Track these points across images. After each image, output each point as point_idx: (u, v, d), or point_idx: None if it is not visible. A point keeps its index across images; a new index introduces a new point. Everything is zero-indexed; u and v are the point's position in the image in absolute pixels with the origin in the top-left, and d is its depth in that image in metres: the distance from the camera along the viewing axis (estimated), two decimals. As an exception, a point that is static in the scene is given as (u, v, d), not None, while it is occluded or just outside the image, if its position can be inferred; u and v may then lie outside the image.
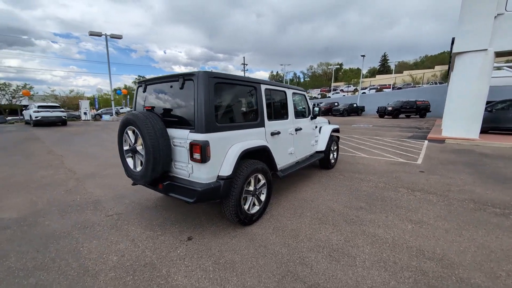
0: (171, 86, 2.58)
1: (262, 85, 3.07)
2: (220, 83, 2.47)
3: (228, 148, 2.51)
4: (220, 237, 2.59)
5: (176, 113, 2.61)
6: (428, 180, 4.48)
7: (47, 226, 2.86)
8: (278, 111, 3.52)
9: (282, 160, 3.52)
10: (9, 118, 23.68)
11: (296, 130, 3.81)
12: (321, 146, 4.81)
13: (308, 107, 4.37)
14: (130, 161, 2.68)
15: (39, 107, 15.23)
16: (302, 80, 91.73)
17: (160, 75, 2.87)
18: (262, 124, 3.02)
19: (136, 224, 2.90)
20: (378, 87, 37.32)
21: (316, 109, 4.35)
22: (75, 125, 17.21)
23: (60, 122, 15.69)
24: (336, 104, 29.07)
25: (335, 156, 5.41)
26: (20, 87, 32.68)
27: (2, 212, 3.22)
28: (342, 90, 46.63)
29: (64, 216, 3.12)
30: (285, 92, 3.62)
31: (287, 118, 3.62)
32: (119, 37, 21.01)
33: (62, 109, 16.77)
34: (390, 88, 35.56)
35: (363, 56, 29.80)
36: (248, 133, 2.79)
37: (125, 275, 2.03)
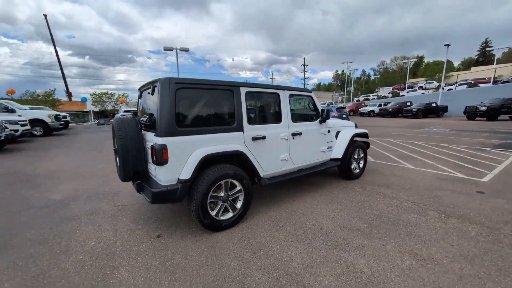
0: (148, 93, 2.80)
1: (242, 88, 2.96)
2: (183, 88, 2.52)
3: (192, 152, 2.54)
4: (185, 240, 2.64)
5: (150, 118, 2.82)
6: (483, 204, 3.34)
7: (71, 209, 3.54)
8: (267, 114, 3.32)
9: (271, 166, 3.29)
10: (111, 120, 30.28)
11: (294, 134, 3.50)
12: (337, 153, 4.25)
13: (317, 109, 3.93)
14: (116, 161, 3.04)
15: (124, 111, 18.95)
16: (372, 77, 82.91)
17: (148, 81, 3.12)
18: (239, 129, 2.91)
19: (128, 216, 3.26)
20: (472, 82, 29.91)
21: (326, 111, 3.88)
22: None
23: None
24: (408, 103, 24.98)
25: (360, 165, 4.68)
26: (120, 96, 41.60)
27: (53, 194, 4.17)
28: (421, 87, 39.58)
29: (87, 203, 3.78)
30: (278, 94, 3.38)
31: (279, 121, 3.37)
32: (186, 49, 23.98)
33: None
34: (490, 82, 28.00)
35: (447, 45, 24.52)
36: (219, 137, 2.74)
37: (88, 259, 2.32)
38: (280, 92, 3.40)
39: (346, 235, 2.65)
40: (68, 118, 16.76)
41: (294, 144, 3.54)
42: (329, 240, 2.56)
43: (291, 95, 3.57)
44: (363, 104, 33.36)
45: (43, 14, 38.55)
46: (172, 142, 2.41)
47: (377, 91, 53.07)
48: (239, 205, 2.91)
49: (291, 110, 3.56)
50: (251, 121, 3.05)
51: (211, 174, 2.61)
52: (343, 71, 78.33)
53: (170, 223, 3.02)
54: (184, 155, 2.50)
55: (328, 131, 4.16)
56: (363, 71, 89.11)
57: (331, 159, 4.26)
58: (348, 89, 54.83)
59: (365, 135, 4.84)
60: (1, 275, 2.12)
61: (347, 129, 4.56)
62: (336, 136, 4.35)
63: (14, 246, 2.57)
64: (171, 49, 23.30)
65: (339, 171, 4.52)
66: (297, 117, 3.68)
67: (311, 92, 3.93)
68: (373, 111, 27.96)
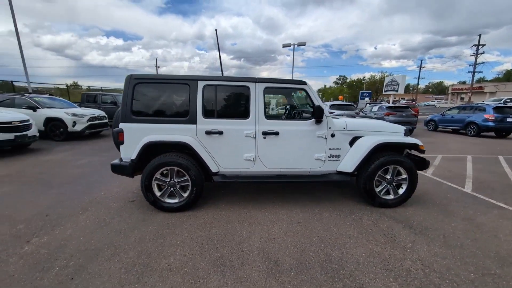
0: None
1: (200, 82, 2.97)
2: (141, 83, 2.96)
3: (142, 138, 2.96)
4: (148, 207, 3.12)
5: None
6: None
7: (105, 198, 3.58)
8: (230, 109, 3.10)
9: (231, 164, 3.11)
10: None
11: (266, 133, 3.04)
12: (347, 165, 3.18)
13: (314, 105, 3.11)
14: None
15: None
16: None
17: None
18: (192, 122, 2.98)
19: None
20: None
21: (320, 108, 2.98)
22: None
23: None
24: None
25: (400, 190, 3.23)
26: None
27: (101, 191, 3.80)
28: None
29: (117, 196, 3.66)
30: (248, 88, 3.04)
31: (246, 117, 3.05)
32: (303, 44, 24.14)
33: None
34: None
35: None
36: (170, 128, 2.97)
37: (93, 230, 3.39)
38: (251, 85, 3.04)
39: (272, 267, 2.14)
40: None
41: (265, 144, 3.09)
42: (219, 266, 2.20)
43: (268, 88, 3.09)
44: None
45: (215, 29, 52.18)
46: (126, 128, 2.96)
47: None
48: (186, 194, 3.06)
49: (286, 106, 3.09)
50: (207, 115, 3.02)
51: (156, 160, 2.94)
52: None
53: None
54: (136, 140, 2.96)
55: (332, 135, 3.18)
56: None
57: (338, 172, 3.26)
58: None
59: (412, 147, 3.22)
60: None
61: (372, 136, 3.24)
62: (352, 144, 3.24)
63: (78, 183, 4.16)
64: (289, 45, 24.34)
65: (364, 191, 3.32)
66: (274, 114, 3.15)
67: (304, 84, 3.15)
68: None
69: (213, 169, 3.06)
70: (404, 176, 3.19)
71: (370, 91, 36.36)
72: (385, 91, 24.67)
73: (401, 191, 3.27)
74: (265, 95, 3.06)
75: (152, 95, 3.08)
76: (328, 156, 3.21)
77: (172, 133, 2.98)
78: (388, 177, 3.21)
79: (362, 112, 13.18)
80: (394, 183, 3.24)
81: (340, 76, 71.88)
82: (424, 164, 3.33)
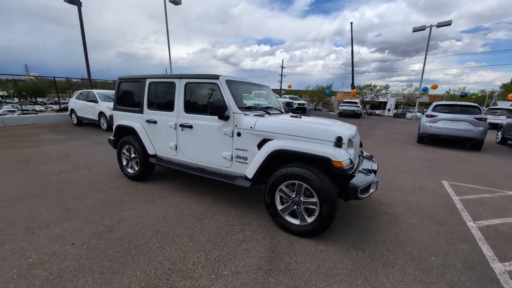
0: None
1: (147, 80, 3.62)
2: (123, 82, 4.02)
3: (117, 121, 4.08)
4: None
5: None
6: None
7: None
8: (163, 102, 3.51)
9: (162, 150, 3.60)
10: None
11: (183, 126, 3.26)
12: (250, 170, 2.79)
13: (223, 100, 2.91)
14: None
15: (344, 102, 20.19)
16: None
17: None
18: (141, 111, 3.72)
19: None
20: None
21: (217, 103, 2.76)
22: (371, 119, 19.97)
23: (354, 115, 19.38)
24: None
25: (309, 218, 2.46)
26: (381, 88, 41.42)
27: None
28: None
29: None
30: (174, 83, 3.34)
31: (172, 110, 3.38)
32: (447, 23, 17.78)
33: (359, 105, 20.08)
34: None
35: None
36: (130, 115, 3.87)
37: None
38: (176, 81, 3.32)
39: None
40: (306, 105, 22.10)
41: (183, 136, 3.31)
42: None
43: (189, 84, 3.23)
44: None
45: (350, 22, 45.75)
46: (114, 113, 4.18)
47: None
48: (137, 167, 3.92)
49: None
50: (150, 107, 3.65)
51: (122, 139, 4.00)
52: None
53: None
54: (115, 122, 4.14)
55: (239, 134, 2.85)
56: None
57: (246, 176, 2.89)
58: None
59: (323, 161, 2.26)
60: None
61: (280, 140, 2.56)
62: (261, 147, 2.75)
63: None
64: (423, 28, 18.81)
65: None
66: (194, 108, 3.23)
67: (216, 78, 2.97)
68: None
69: (150, 151, 3.69)
70: (314, 199, 2.36)
71: None
72: None
73: (311, 219, 2.43)
74: (193, 90, 3.24)
75: (127, 90, 4.11)
76: (235, 157, 2.94)
77: (129, 119, 3.89)
78: (293, 195, 2.49)
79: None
80: (301, 205, 2.47)
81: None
82: (354, 191, 2.24)
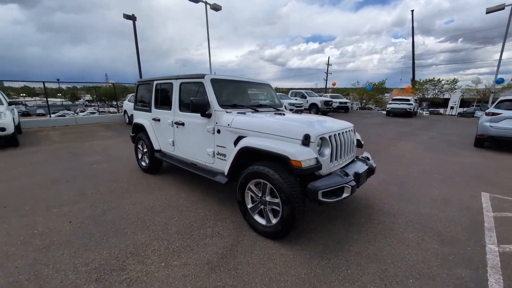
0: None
1: (154, 81, 3.99)
2: (140, 84, 4.52)
3: (135, 119, 4.59)
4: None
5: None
6: None
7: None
8: (164, 101, 3.78)
9: (164, 145, 3.92)
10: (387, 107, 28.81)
11: (177, 123, 3.49)
12: (226, 166, 2.82)
13: (207, 99, 2.99)
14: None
15: (393, 100, 17.98)
16: None
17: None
18: (150, 110, 4.12)
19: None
20: None
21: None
22: (428, 118, 17.38)
23: (405, 114, 17.11)
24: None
25: (273, 220, 2.36)
26: (448, 82, 35.20)
27: None
28: None
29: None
30: (172, 84, 3.59)
31: (170, 109, 3.64)
32: None
33: (411, 102, 17.51)
34: None
35: None
36: (144, 114, 4.32)
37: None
38: (173, 81, 3.56)
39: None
40: (348, 104, 20.55)
41: (178, 133, 3.54)
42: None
43: (183, 84, 3.43)
44: None
45: (411, 10, 39.22)
46: (134, 113, 4.71)
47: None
48: (147, 160, 4.36)
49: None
50: (156, 106, 4.00)
51: (137, 135, 4.50)
52: None
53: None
54: (134, 121, 4.67)
55: (218, 131, 2.90)
56: None
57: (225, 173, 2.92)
58: None
59: (282, 159, 2.10)
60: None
61: (252, 137, 2.49)
62: (236, 144, 2.74)
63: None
64: (502, 7, 15.29)
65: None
66: (187, 106, 3.40)
67: (202, 78, 3.05)
68: None
69: (156, 147, 4.06)
70: (277, 200, 2.25)
71: None
72: None
73: (275, 220, 2.33)
74: (185, 90, 3.43)
75: (142, 92, 4.58)
76: (216, 153, 3.00)
77: (142, 117, 4.34)
78: (259, 194, 2.42)
79: None
80: (268, 206, 2.38)
81: None
82: (313, 194, 2.04)
